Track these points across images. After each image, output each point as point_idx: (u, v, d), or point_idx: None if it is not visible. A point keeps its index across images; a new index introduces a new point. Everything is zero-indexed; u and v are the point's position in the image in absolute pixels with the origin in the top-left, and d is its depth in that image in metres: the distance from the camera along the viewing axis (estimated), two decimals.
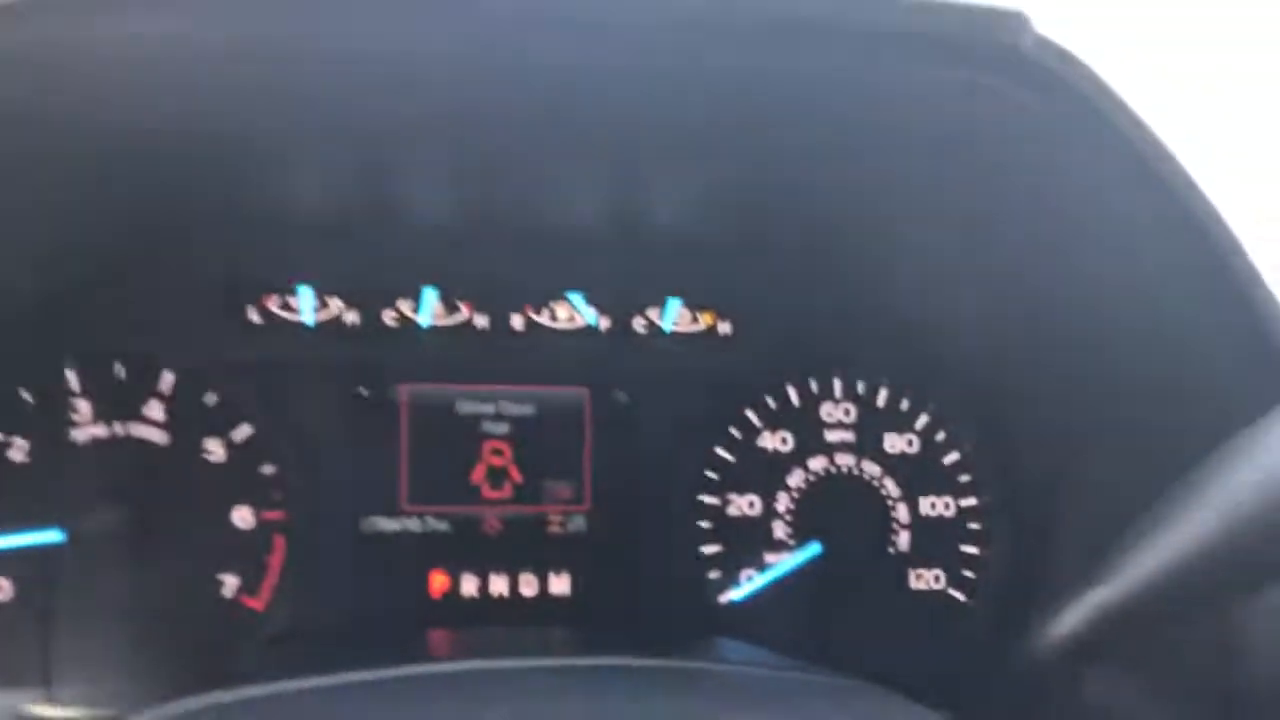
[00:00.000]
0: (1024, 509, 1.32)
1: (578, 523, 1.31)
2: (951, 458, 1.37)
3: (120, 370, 1.22)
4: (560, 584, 1.29)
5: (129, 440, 1.21)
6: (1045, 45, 0.81)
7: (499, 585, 1.28)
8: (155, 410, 1.22)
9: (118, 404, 1.22)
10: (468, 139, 1.05)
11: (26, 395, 1.20)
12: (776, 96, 0.93)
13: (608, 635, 1.24)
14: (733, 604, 1.31)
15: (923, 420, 1.36)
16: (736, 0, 0.80)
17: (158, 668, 1.17)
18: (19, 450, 1.19)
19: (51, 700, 1.14)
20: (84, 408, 1.21)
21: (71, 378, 1.20)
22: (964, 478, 1.36)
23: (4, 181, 0.99)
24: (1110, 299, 1.03)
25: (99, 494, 1.19)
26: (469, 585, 1.27)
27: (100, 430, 1.21)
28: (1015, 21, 0.81)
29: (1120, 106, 0.82)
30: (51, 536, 1.16)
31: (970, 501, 1.36)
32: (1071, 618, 0.85)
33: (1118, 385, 1.09)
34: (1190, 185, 0.83)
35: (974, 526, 1.35)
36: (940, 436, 1.37)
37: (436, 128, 1.02)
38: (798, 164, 1.09)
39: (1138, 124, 0.81)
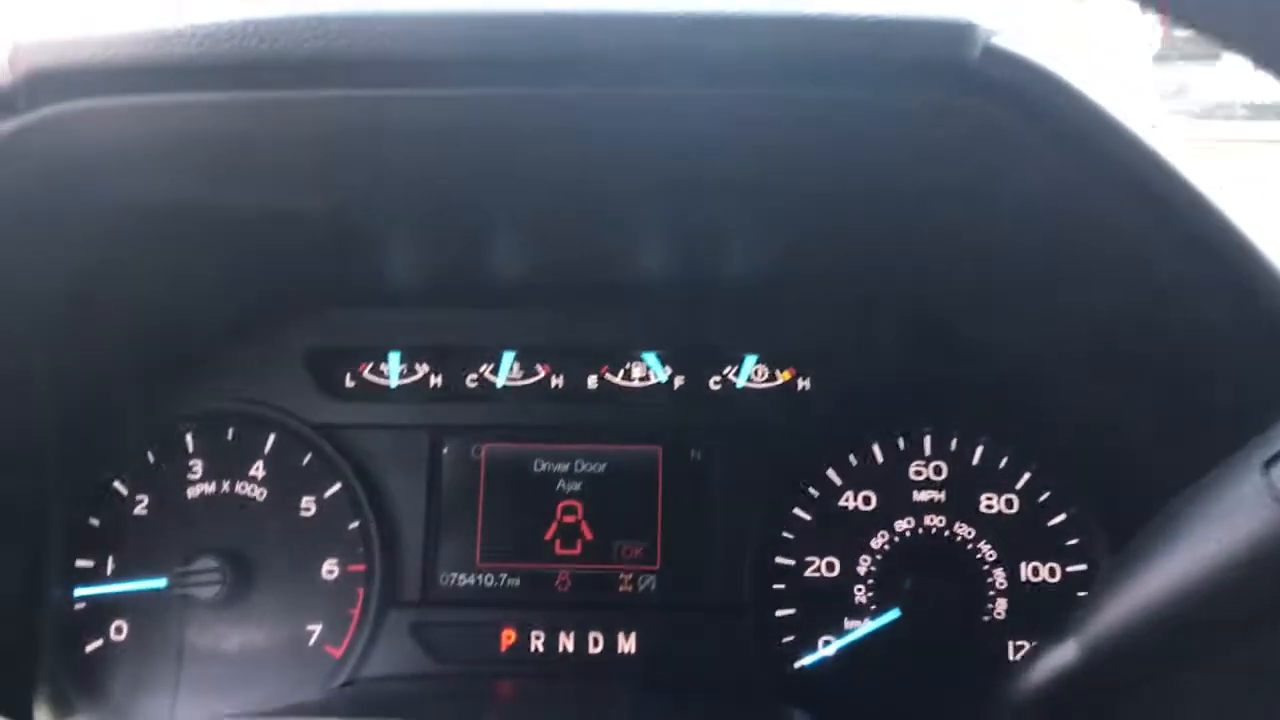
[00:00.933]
0: None
1: (648, 582, 1.29)
2: (1057, 519, 1.26)
3: (230, 433, 1.34)
4: (628, 643, 1.27)
5: (234, 497, 1.32)
6: (994, 55, 0.77)
7: (566, 642, 1.27)
8: (257, 469, 1.33)
9: (225, 465, 1.33)
10: (544, 208, 1.11)
11: (151, 456, 1.33)
12: (799, 145, 0.92)
13: (672, 701, 1.20)
14: (806, 670, 1.24)
15: (1024, 478, 1.27)
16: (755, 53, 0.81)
17: (242, 706, 1.24)
18: (140, 505, 1.32)
19: None
20: (199, 468, 1.33)
21: (189, 440, 1.34)
22: (1071, 541, 1.25)
23: (140, 264, 1.14)
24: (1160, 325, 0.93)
25: (207, 545, 1.29)
26: (537, 641, 1.27)
27: (209, 488, 1.32)
28: (961, 33, 0.77)
29: (1082, 105, 0.76)
30: (159, 584, 1.27)
31: (1079, 567, 1.24)
32: (1053, 662, 0.77)
33: (1206, 427, 0.98)
34: (1167, 171, 0.75)
35: (1082, 595, 1.22)
36: (1044, 497, 1.26)
37: (513, 199, 1.08)
38: (849, 212, 1.07)
39: (1099, 117, 0.75)
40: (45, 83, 0.83)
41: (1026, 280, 1.09)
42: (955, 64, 0.77)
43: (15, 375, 1.11)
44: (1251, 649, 0.78)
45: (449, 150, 0.94)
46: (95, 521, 1.31)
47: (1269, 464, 0.67)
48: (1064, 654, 0.78)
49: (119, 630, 1.28)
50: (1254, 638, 0.75)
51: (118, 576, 1.29)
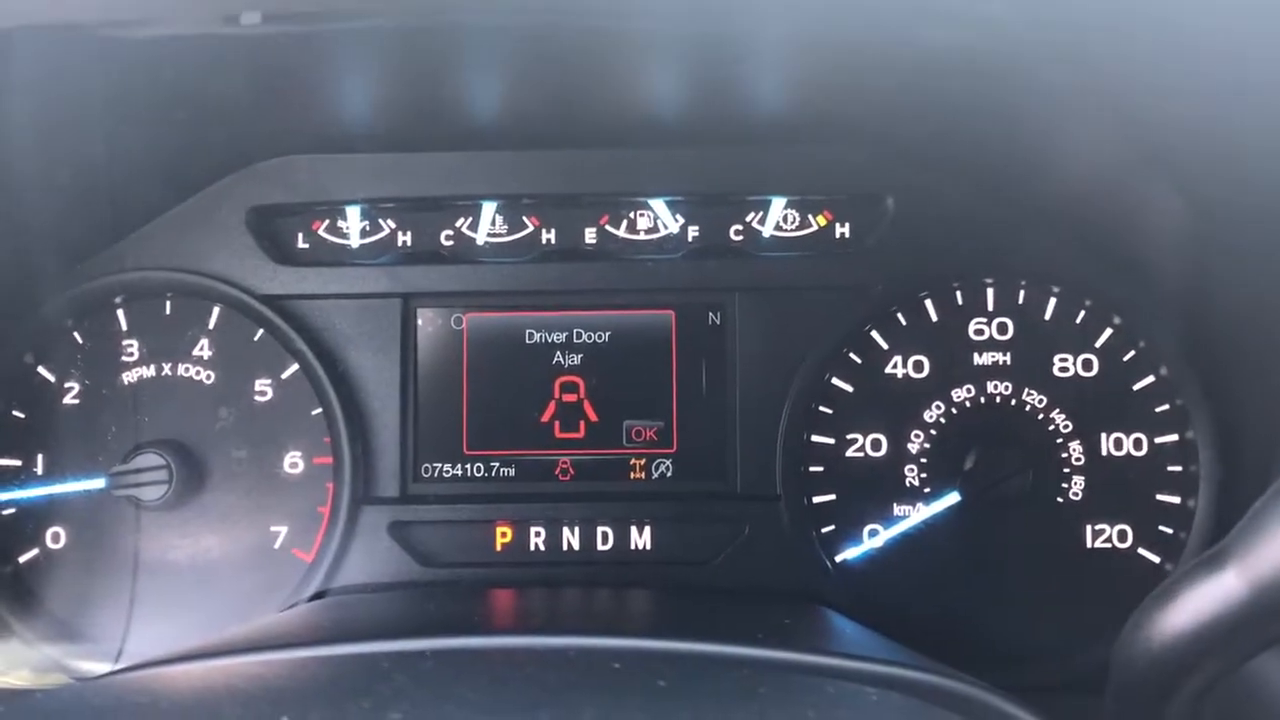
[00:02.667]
0: (1239, 446, 1.03)
1: (662, 468, 1.16)
2: (1144, 383, 1.11)
3: (168, 307, 1.16)
4: (641, 539, 1.14)
5: (177, 381, 1.15)
6: None
7: (570, 539, 1.14)
8: (202, 348, 1.15)
9: (164, 345, 1.16)
10: (531, 25, 0.90)
11: (79, 335, 1.16)
12: None
13: (692, 604, 1.05)
14: (849, 565, 1.11)
15: (1105, 335, 1.11)
16: None
17: (203, 621, 1.10)
18: (69, 394, 1.15)
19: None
20: (135, 349, 1.16)
21: (120, 316, 1.16)
22: (1160, 408, 1.10)
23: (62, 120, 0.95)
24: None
25: (149, 438, 1.14)
26: (536, 539, 1.14)
27: (148, 371, 1.15)
28: None
29: None
30: (96, 484, 1.13)
31: (1169, 438, 1.10)
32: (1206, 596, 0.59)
33: None
34: None
35: (1174, 469, 1.09)
36: (1129, 356, 1.11)
37: (495, 13, 0.87)
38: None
39: None
40: None
41: (1108, 107, 0.89)
42: None
43: None
44: None
45: None
46: (19, 414, 1.16)
47: None
48: (1221, 586, 0.59)
49: (56, 538, 1.15)
50: None
51: (49, 476, 1.16)
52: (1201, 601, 0.60)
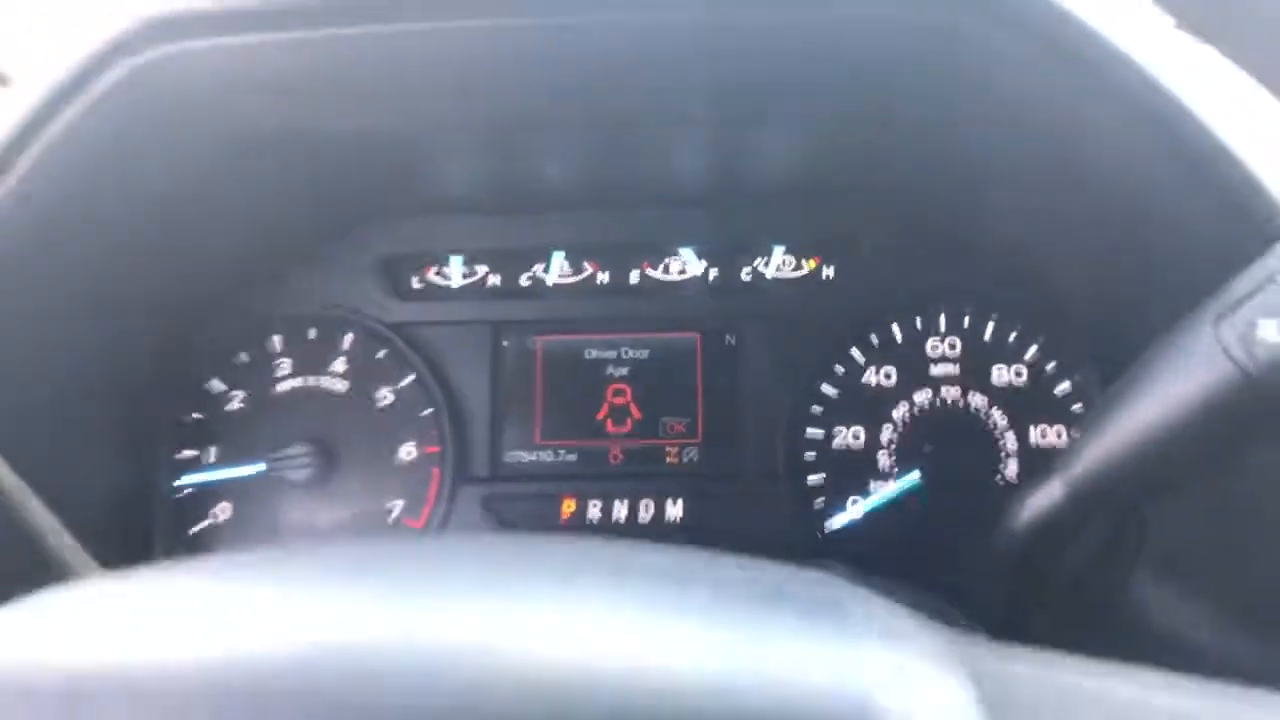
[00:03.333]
0: None
1: (691, 454, 1.43)
2: (1062, 387, 1.37)
3: (313, 333, 1.49)
4: (675, 510, 1.41)
5: (319, 390, 1.47)
6: None
7: (620, 511, 1.42)
8: (338, 364, 1.48)
9: (310, 362, 1.48)
10: (586, 118, 1.22)
11: (244, 356, 1.48)
12: (809, 55, 1.04)
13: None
14: (837, 531, 1.38)
15: (1032, 350, 1.39)
16: None
17: None
18: (236, 400, 1.48)
19: None
20: (286, 366, 1.48)
21: (276, 341, 1.49)
22: (1075, 406, 1.37)
23: (231, 186, 1.27)
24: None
25: (297, 434, 1.44)
26: (594, 510, 1.42)
27: (298, 383, 1.47)
28: None
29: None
30: (256, 469, 1.43)
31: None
32: (1041, 499, 0.90)
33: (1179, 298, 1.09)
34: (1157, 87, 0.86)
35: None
36: (1050, 367, 1.38)
37: (560, 114, 1.20)
38: (859, 126, 1.19)
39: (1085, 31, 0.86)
40: (159, 28, 0.96)
41: (1019, 179, 1.20)
42: None
43: (116, 294, 1.26)
44: (1209, 484, 0.91)
45: (509, 77, 1.07)
46: (197, 416, 1.46)
47: (1218, 320, 0.78)
48: (1051, 492, 0.91)
49: (223, 511, 1.45)
50: (1210, 475, 0.87)
51: (219, 464, 1.45)
52: (1035, 502, 0.92)
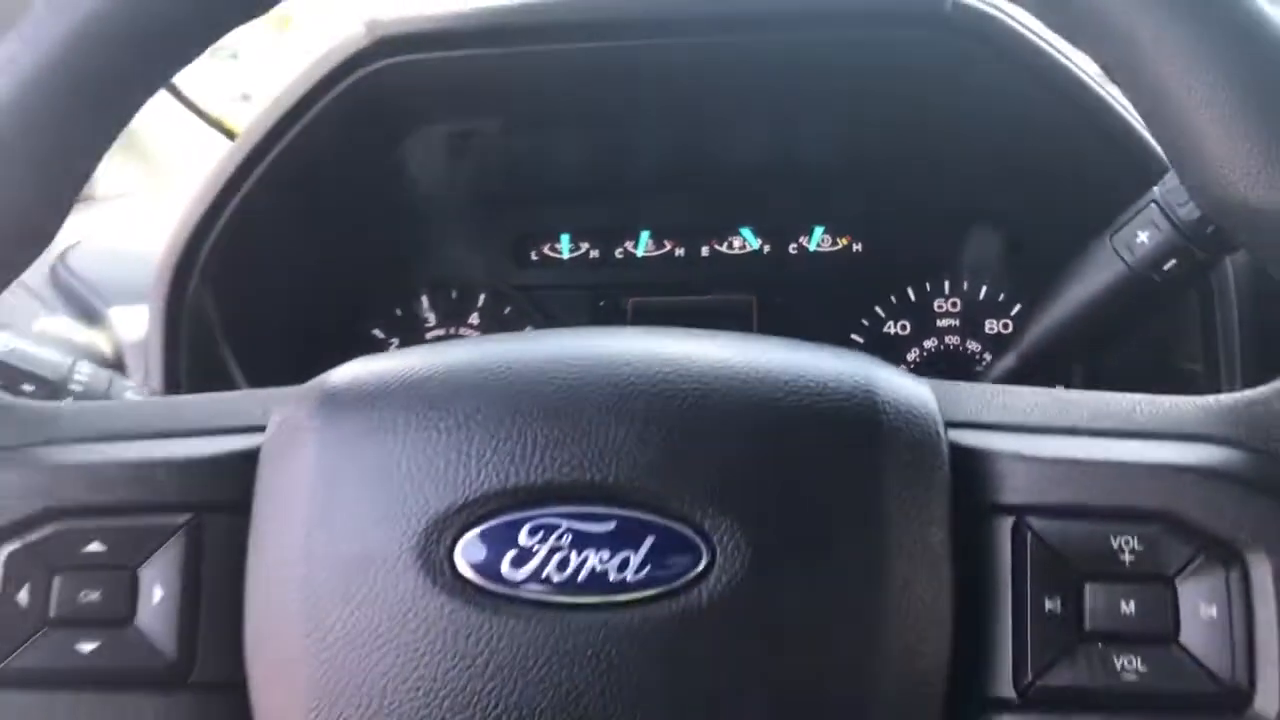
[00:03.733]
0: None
1: None
2: None
3: (453, 294, 1.89)
4: None
5: (459, 337, 1.88)
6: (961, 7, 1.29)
7: None
8: (474, 319, 1.88)
9: (452, 316, 1.89)
10: (676, 116, 1.66)
11: (399, 311, 1.90)
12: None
13: None
14: None
15: (1016, 308, 1.75)
16: None
17: None
18: (393, 346, 1.88)
19: None
20: (432, 318, 1.90)
21: (425, 299, 1.90)
22: None
23: (416, 173, 1.70)
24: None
25: None
26: None
27: (441, 332, 1.89)
28: None
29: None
30: None
31: None
32: (1001, 367, 1.30)
33: None
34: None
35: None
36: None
37: (657, 126, 1.65)
38: (869, 131, 1.61)
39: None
40: (391, 43, 1.39)
41: (980, 173, 1.61)
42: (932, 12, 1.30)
43: (319, 259, 1.68)
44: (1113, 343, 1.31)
45: (638, 93, 1.50)
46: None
47: (1113, 235, 1.19)
48: (1007, 363, 1.31)
49: None
50: (1113, 337, 1.27)
51: None
52: (996, 370, 1.32)
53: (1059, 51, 1.32)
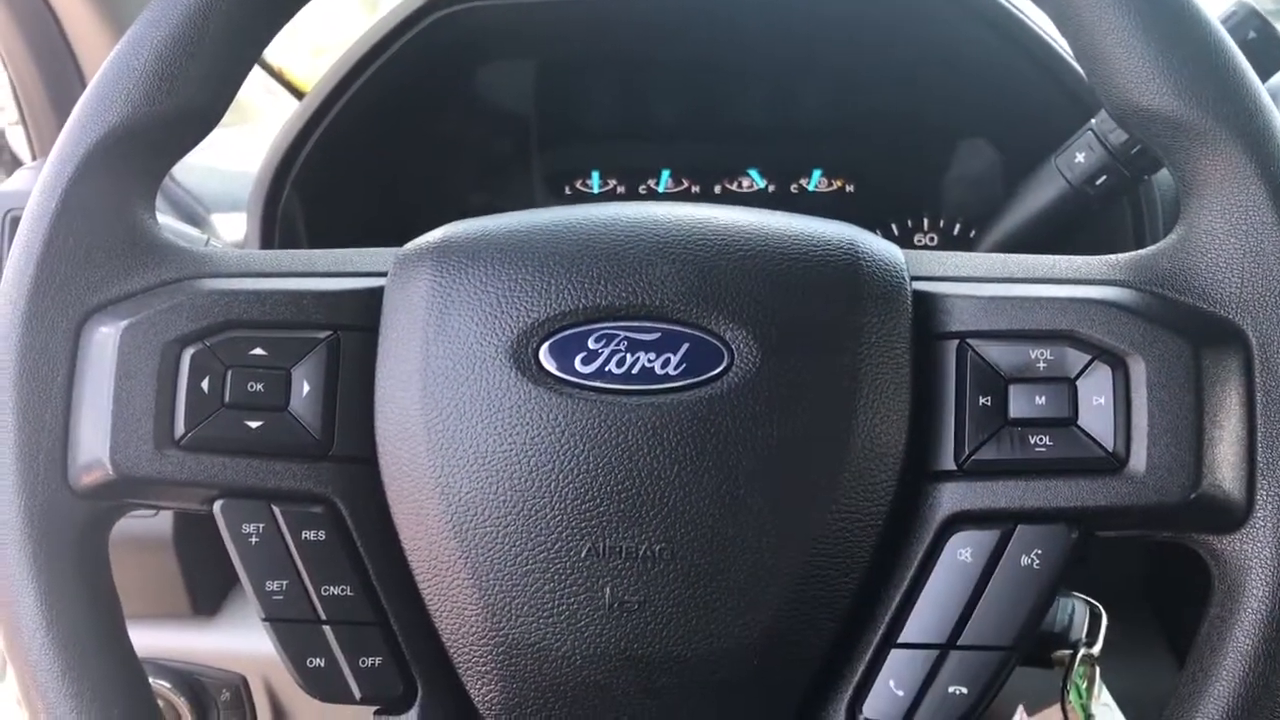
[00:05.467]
0: None
1: None
2: None
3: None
4: None
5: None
6: None
7: None
8: None
9: None
10: (696, 72, 1.94)
11: None
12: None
13: None
14: None
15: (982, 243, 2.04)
16: None
17: None
18: None
19: None
20: None
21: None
22: None
23: (478, 117, 1.98)
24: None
25: None
26: None
27: None
28: None
29: None
30: None
31: None
32: None
33: None
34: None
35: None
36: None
37: (679, 66, 1.92)
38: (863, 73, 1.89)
39: None
40: None
41: (955, 125, 1.90)
42: None
43: (374, 180, 1.96)
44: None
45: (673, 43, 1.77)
46: None
47: (1056, 158, 1.47)
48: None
49: None
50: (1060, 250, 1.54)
51: None
52: None
53: (1024, 15, 1.61)
